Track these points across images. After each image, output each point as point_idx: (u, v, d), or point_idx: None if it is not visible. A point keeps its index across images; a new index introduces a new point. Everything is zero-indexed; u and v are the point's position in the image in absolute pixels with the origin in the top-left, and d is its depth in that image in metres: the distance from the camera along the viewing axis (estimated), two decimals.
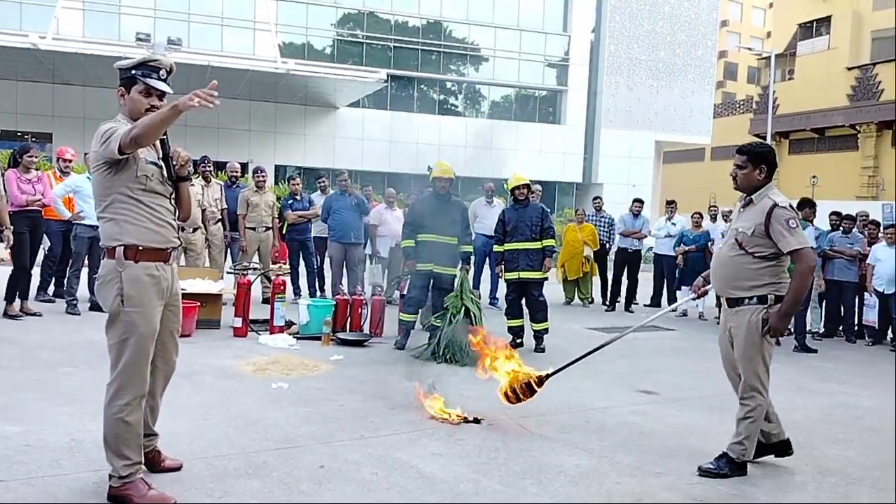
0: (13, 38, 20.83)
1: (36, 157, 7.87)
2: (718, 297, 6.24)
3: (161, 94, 3.23)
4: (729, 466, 3.90)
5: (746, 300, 3.89)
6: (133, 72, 3.17)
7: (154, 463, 3.46)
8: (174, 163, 3.29)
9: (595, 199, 12.52)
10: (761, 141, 4.38)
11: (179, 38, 21.16)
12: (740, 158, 4.02)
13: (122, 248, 3.13)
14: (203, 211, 8.87)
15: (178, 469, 3.52)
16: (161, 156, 3.28)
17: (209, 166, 9.34)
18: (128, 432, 3.12)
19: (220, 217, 9.23)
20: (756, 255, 3.88)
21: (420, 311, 7.32)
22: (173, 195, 3.31)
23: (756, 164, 3.97)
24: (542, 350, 7.30)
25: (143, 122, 2.99)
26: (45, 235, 7.98)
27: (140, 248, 3.15)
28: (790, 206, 3.90)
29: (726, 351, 4.10)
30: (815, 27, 38.08)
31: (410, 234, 7.17)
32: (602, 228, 11.66)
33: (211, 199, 9.11)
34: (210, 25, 27.30)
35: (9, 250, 7.18)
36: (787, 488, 3.82)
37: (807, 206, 8.81)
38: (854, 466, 4.22)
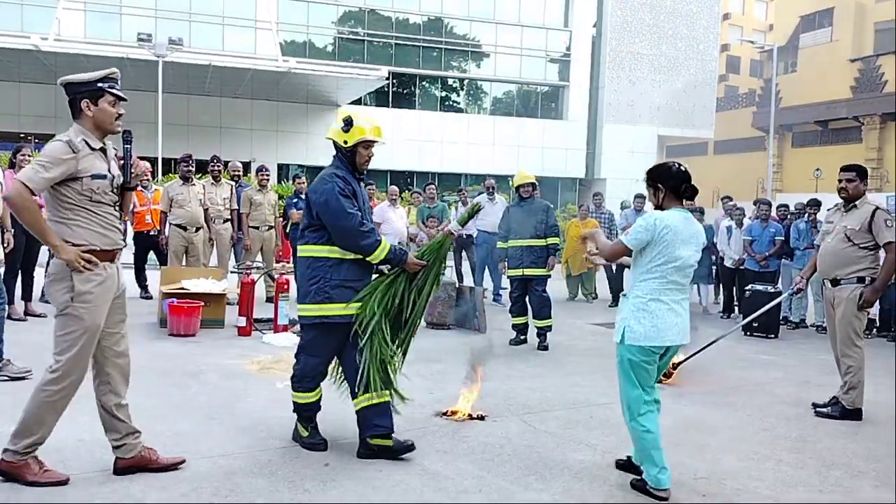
0: (15, 40, 20.87)
1: (29, 156, 7.82)
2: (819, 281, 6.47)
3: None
4: (840, 411, 5.03)
5: (845, 280, 5.04)
6: (100, 84, 3.37)
7: (149, 462, 3.48)
8: (133, 171, 3.51)
9: (595, 195, 12.60)
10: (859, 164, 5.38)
11: (181, 37, 21.15)
12: (850, 174, 5.11)
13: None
14: (206, 210, 8.89)
15: (177, 465, 3.55)
16: (116, 165, 3.47)
17: (217, 166, 9.37)
18: (51, 415, 3.31)
19: (228, 217, 9.24)
20: (860, 245, 5.01)
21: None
22: (117, 202, 3.47)
23: (863, 177, 5.11)
24: (546, 348, 7.27)
25: (31, 218, 3.19)
26: None
27: (89, 249, 3.31)
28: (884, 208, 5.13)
29: (830, 322, 5.23)
30: (817, 19, 37.96)
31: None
32: (602, 224, 11.67)
33: (219, 198, 9.13)
34: (211, 25, 27.33)
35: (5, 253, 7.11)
36: (792, 482, 3.82)
37: None
38: (858, 459, 4.22)
